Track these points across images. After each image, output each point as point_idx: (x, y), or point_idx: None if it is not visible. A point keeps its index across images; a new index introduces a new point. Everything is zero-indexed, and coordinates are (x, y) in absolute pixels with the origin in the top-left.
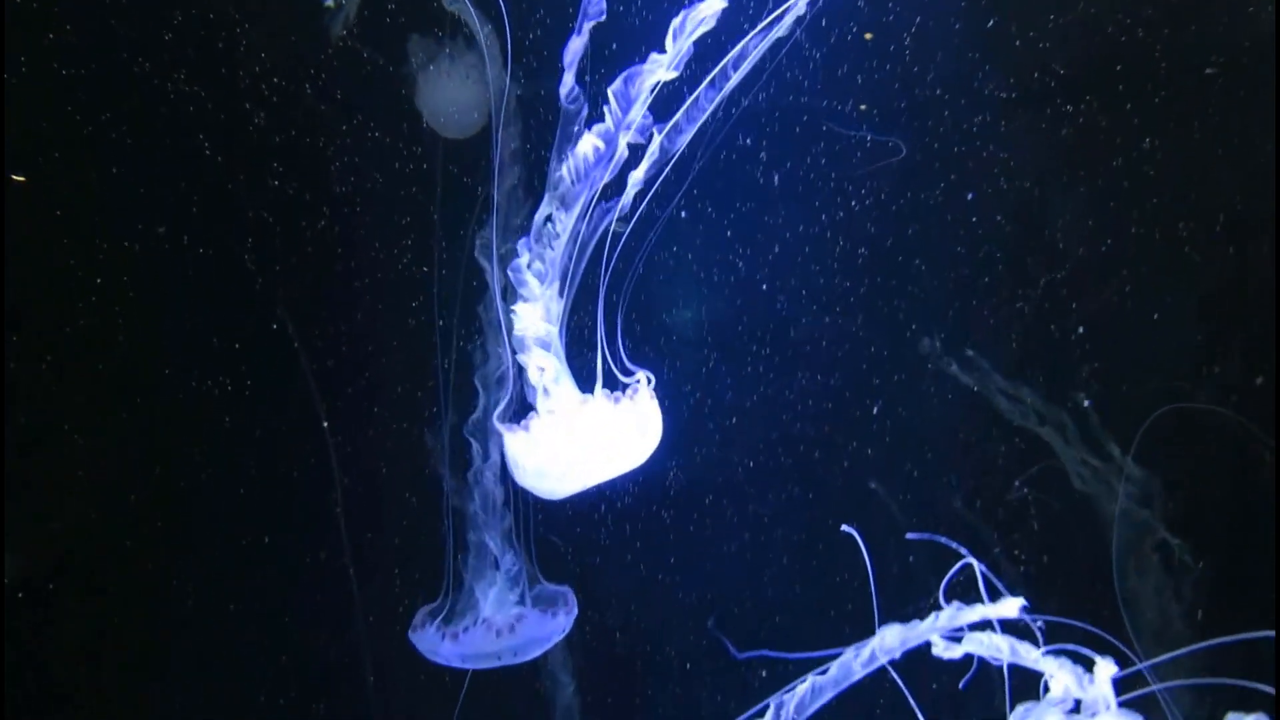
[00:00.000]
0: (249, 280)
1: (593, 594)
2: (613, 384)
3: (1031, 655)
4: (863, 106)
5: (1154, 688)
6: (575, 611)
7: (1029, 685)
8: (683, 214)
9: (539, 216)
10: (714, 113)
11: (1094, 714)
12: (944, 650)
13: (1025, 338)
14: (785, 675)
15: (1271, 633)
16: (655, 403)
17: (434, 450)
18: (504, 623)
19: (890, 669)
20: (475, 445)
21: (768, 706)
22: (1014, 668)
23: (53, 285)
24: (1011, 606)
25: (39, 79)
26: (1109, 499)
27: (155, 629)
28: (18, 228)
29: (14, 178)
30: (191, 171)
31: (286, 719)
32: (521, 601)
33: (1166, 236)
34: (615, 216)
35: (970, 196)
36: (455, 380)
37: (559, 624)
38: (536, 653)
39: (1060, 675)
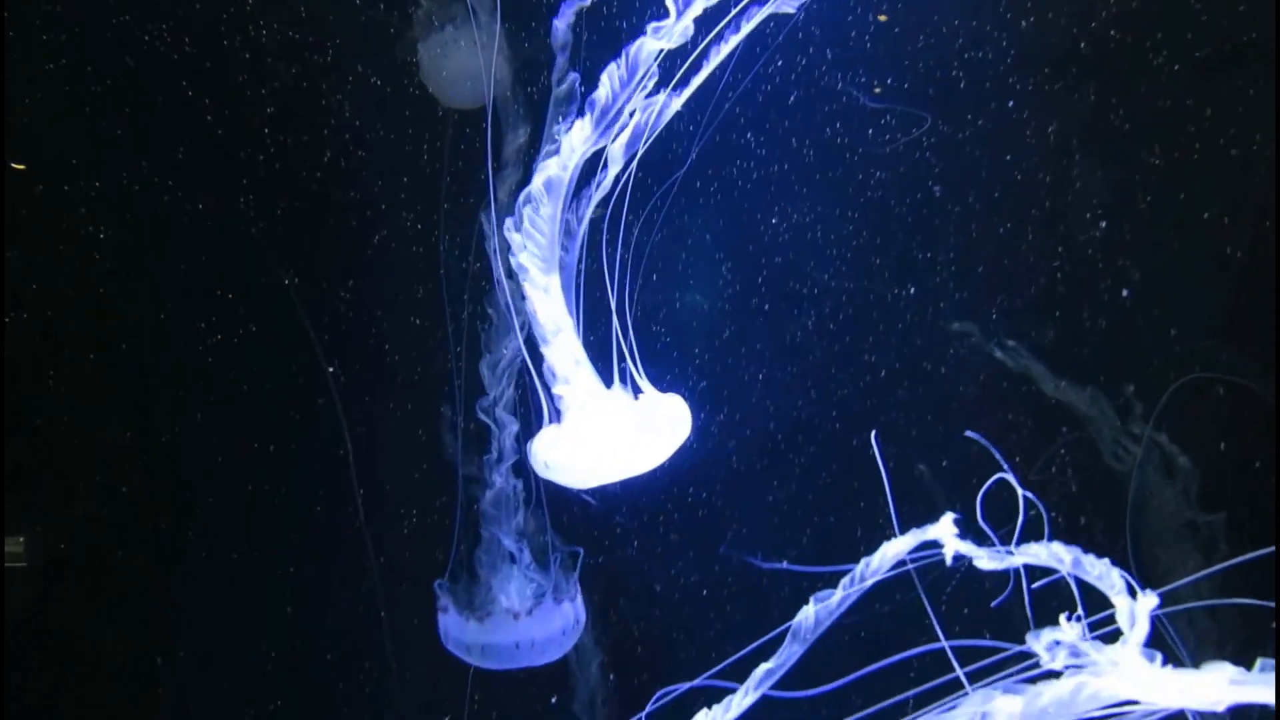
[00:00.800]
0: (247, 233)
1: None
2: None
3: (1095, 570)
4: (877, 89)
5: (1146, 599)
6: (583, 605)
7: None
8: (693, 188)
9: (523, 198)
10: (721, 85)
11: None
12: (989, 562)
13: (1053, 310)
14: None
15: (1271, 548)
16: (680, 399)
17: (446, 435)
18: (522, 607)
19: (917, 581)
20: (492, 429)
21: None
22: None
23: (48, 249)
24: (945, 524)
25: (24, 40)
26: (1142, 476)
27: (164, 586)
28: (7, 191)
29: (14, 166)
30: (185, 128)
31: (298, 673)
32: (539, 594)
33: (1194, 207)
34: (614, 193)
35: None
36: (464, 367)
37: (570, 613)
38: (557, 654)
39: (1119, 600)
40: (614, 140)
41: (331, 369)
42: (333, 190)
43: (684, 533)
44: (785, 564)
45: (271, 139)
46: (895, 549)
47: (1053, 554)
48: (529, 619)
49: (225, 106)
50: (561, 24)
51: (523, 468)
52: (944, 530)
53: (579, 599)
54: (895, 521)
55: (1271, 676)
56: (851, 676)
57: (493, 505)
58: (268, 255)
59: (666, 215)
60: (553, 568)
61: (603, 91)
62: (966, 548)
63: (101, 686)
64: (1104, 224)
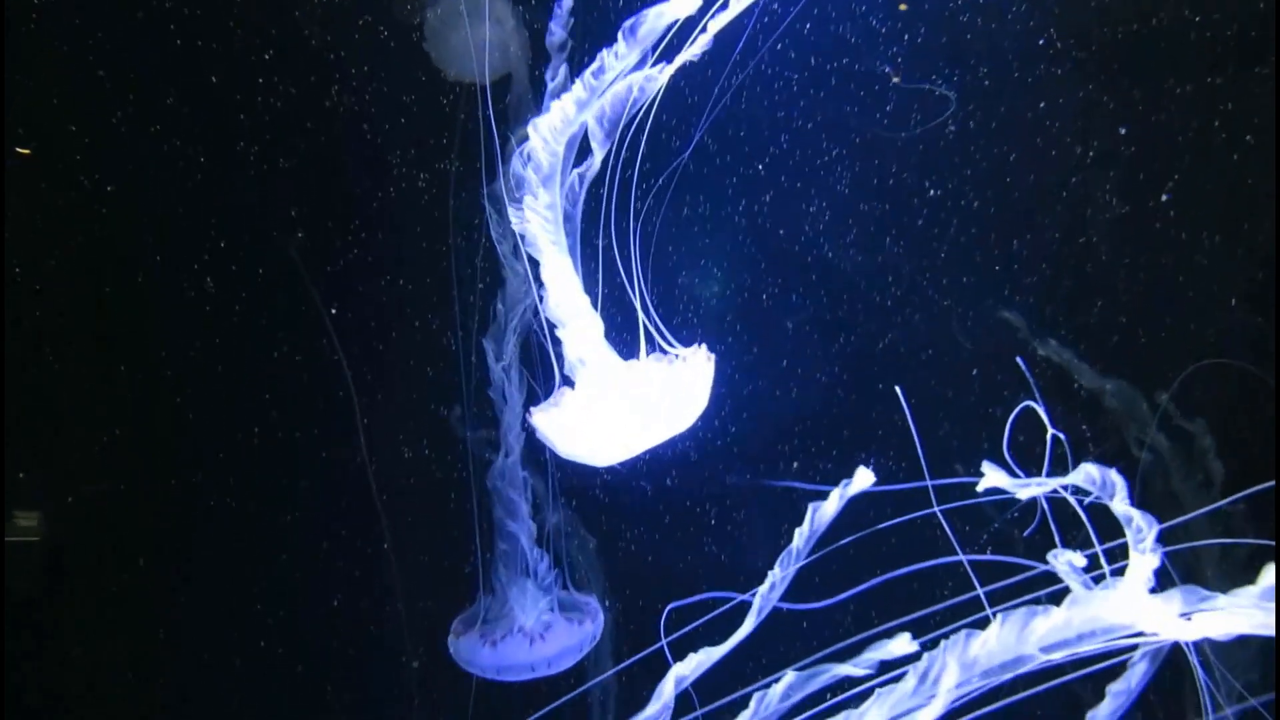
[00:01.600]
0: (252, 189)
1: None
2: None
3: (1135, 521)
4: (895, 80)
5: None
6: (601, 620)
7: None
8: (703, 166)
9: (513, 174)
10: (739, 43)
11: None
12: (1021, 489)
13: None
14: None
15: (1272, 483)
16: (708, 361)
17: (456, 428)
18: (536, 629)
19: (940, 515)
20: (502, 424)
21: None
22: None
23: (47, 204)
24: (861, 476)
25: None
26: (1171, 475)
27: (175, 549)
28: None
29: (18, 150)
30: (183, 80)
31: (304, 625)
32: (551, 608)
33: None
34: (617, 169)
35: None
36: (473, 358)
37: (588, 631)
38: (570, 664)
39: (1138, 556)
40: (609, 113)
41: (334, 310)
42: (342, 147)
43: (699, 454)
44: (795, 467)
45: (275, 91)
46: (828, 511)
47: (1107, 478)
48: (544, 643)
49: (225, 57)
50: (558, 26)
51: (531, 454)
52: (861, 482)
53: (600, 617)
54: (922, 459)
55: (1267, 605)
56: (853, 591)
57: (508, 517)
58: (272, 211)
59: (678, 186)
60: (562, 583)
61: (597, 65)
62: (1007, 480)
63: (106, 657)
64: (1126, 208)
